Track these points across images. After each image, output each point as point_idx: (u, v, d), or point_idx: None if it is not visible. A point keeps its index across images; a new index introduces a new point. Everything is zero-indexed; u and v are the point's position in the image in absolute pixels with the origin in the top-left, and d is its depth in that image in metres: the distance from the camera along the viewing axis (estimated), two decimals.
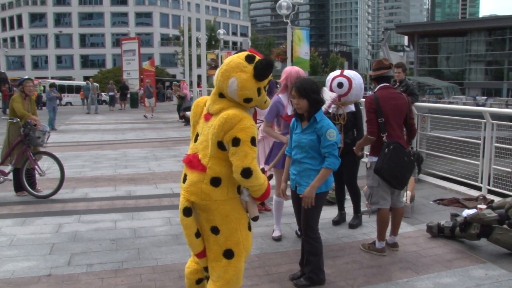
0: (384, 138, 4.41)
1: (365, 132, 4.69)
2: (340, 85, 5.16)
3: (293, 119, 3.80)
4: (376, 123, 4.43)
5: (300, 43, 13.88)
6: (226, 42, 75.04)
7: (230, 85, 2.84)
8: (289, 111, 4.54)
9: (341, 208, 5.61)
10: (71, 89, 41.86)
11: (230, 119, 2.78)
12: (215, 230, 2.96)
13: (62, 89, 36.00)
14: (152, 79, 29.87)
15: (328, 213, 5.84)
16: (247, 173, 2.75)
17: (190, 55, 23.19)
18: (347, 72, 5.33)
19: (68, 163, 9.10)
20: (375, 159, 4.46)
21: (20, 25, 70.71)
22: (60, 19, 71.31)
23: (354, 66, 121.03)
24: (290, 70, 4.83)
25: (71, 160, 9.86)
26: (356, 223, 5.38)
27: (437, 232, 4.94)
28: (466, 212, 5.16)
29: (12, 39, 72.38)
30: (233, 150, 2.77)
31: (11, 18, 72.36)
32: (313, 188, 3.58)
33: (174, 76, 58.09)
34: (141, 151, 11.40)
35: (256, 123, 4.44)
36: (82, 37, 72.08)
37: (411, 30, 65.72)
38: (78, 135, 14.38)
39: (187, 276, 3.31)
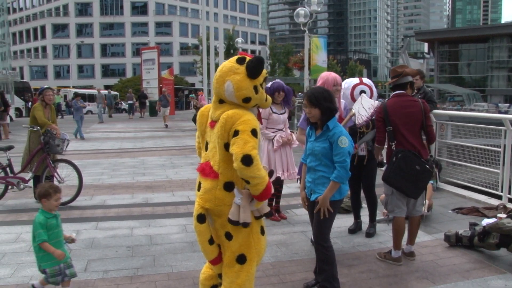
0: (393, 147, 4.40)
1: None
2: (361, 92, 5.13)
3: (308, 127, 3.79)
4: (384, 132, 4.45)
5: (317, 51, 13.86)
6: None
7: (226, 89, 2.91)
8: None
9: (357, 217, 5.54)
10: (92, 98, 42.46)
11: (230, 118, 2.84)
12: (228, 236, 2.99)
13: (83, 98, 36.53)
14: (171, 87, 30.18)
15: (344, 221, 5.80)
16: (247, 160, 2.73)
17: (208, 64, 23.39)
18: (366, 80, 5.35)
19: (87, 171, 9.24)
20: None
21: (43, 35, 72.38)
22: (82, 30, 72.76)
23: (373, 73, 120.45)
24: (327, 76, 4.80)
25: (90, 167, 10.00)
26: (372, 232, 5.33)
27: (455, 241, 4.85)
28: (486, 221, 5.07)
29: (36, 49, 74.06)
30: (233, 140, 2.80)
31: (35, 29, 74.10)
32: (326, 199, 3.57)
33: (193, 84, 58.62)
34: (159, 159, 11.50)
35: (261, 125, 4.49)
36: (103, 47, 73.33)
37: (431, 37, 65.02)
38: (98, 143, 14.59)
39: (201, 282, 3.34)
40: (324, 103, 3.51)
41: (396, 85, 4.54)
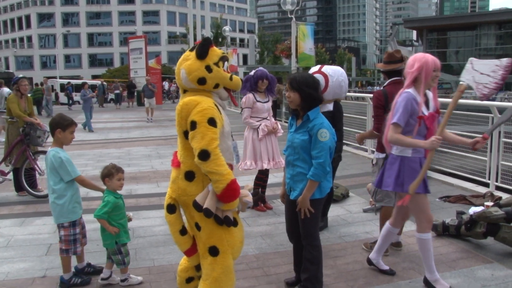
0: None
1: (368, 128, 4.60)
2: None
3: (290, 117, 3.62)
4: (383, 119, 4.29)
5: (304, 39, 13.68)
6: (233, 39, 75.01)
7: (182, 76, 2.93)
8: (425, 110, 3.55)
9: (324, 213, 5.13)
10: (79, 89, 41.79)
11: (186, 105, 2.81)
12: (197, 226, 2.93)
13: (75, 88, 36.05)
14: (159, 77, 29.79)
15: (331, 211, 5.69)
16: (204, 154, 2.68)
17: None
18: (326, 68, 4.75)
19: None
20: (382, 155, 4.33)
21: (28, 25, 71.13)
22: (68, 19, 71.67)
23: (362, 61, 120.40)
24: (426, 58, 3.51)
25: (74, 159, 9.66)
26: (321, 226, 4.91)
27: (442, 230, 4.79)
28: (473, 210, 5.01)
29: (21, 39, 72.82)
30: (191, 134, 2.76)
31: (19, 19, 72.79)
32: (305, 199, 3.33)
33: None
34: (145, 149, 11.34)
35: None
36: (90, 36, 72.35)
37: (419, 25, 64.98)
38: (83, 134, 14.36)
39: (178, 273, 3.30)
40: (305, 88, 3.28)
41: (393, 71, 4.40)
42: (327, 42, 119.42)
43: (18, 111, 6.71)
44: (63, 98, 35.13)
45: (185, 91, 2.99)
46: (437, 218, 5.00)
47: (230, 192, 2.74)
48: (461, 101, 4.38)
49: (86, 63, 71.77)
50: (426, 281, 3.64)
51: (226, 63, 3.03)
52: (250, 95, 5.80)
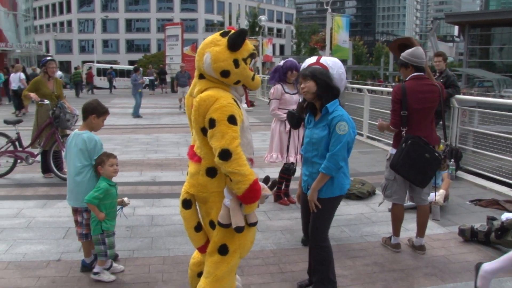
0: (403, 132, 4.12)
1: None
2: None
3: (308, 113, 3.42)
4: (399, 115, 4.13)
5: (339, 31, 13.35)
6: (270, 29, 74.64)
7: (205, 61, 2.72)
8: None
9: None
10: (123, 73, 42.30)
11: (204, 101, 2.63)
12: (212, 225, 2.81)
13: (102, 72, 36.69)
14: (193, 64, 29.84)
15: (355, 209, 5.58)
16: (225, 154, 2.53)
17: None
18: (324, 59, 4.32)
19: None
20: (394, 151, 4.21)
21: (69, 10, 72.58)
22: (107, 4, 72.73)
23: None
24: None
25: (103, 143, 9.89)
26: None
27: (470, 236, 4.56)
28: (506, 216, 4.73)
29: (61, 23, 74.45)
30: (210, 133, 2.60)
31: (60, 4, 74.32)
32: (313, 191, 3.21)
33: None
34: (174, 136, 11.37)
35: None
36: (128, 22, 73.28)
37: (462, 20, 62.74)
38: (114, 118, 14.52)
39: (190, 267, 3.23)
40: (320, 76, 3.14)
41: (416, 66, 4.19)
42: (366, 35, 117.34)
43: (27, 91, 6.91)
44: (99, 82, 35.77)
45: (201, 76, 2.81)
46: (466, 223, 4.78)
47: (252, 193, 2.62)
48: (500, 100, 4.16)
49: (123, 49, 72.81)
50: None
51: (253, 60, 2.89)
52: (278, 86, 5.67)
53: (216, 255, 2.82)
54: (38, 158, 6.92)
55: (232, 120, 2.58)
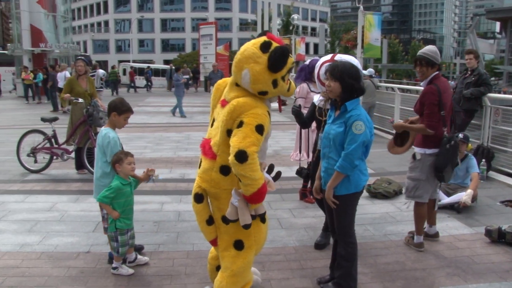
0: (445, 132, 4.11)
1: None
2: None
3: (330, 108, 3.47)
4: (439, 117, 4.08)
5: (370, 29, 13.20)
6: (304, 28, 74.25)
7: (243, 77, 2.72)
8: None
9: (327, 228, 4.39)
10: (158, 73, 43.03)
11: (240, 107, 2.66)
12: (225, 220, 2.88)
13: (137, 71, 37.40)
14: (226, 63, 30.12)
15: (380, 208, 5.57)
16: (242, 156, 2.57)
17: None
18: (339, 57, 4.00)
19: (131, 144, 9.42)
20: (429, 151, 4.15)
21: (106, 10, 74.34)
22: (143, 5, 74.07)
23: None
24: None
25: (135, 141, 10.19)
26: (324, 243, 4.43)
27: (497, 237, 4.48)
28: None
29: (99, 24, 76.31)
30: (235, 131, 2.65)
31: (98, 4, 76.16)
32: (329, 189, 3.26)
33: None
34: (205, 134, 11.46)
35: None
36: (163, 22, 74.40)
37: (504, 15, 60.63)
38: (147, 117, 14.83)
39: (209, 261, 3.33)
40: (347, 78, 3.13)
41: (436, 64, 4.16)
42: (402, 33, 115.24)
43: (63, 92, 7.22)
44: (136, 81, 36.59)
45: (237, 84, 2.83)
46: (493, 223, 4.69)
47: (259, 195, 2.71)
48: None
49: (158, 48, 74.01)
50: None
51: (291, 73, 2.90)
52: (304, 85, 5.70)
53: (233, 250, 2.90)
54: (73, 154, 7.18)
55: (259, 129, 2.64)
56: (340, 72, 3.16)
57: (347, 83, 3.15)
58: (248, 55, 2.72)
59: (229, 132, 2.72)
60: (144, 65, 39.53)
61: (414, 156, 4.30)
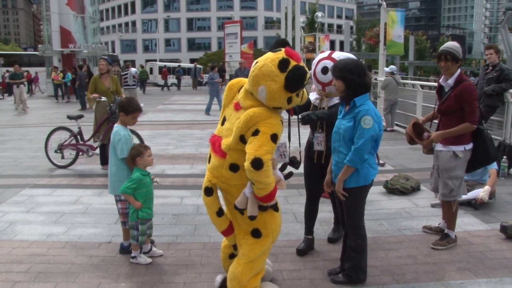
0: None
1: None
2: (324, 70, 3.82)
3: (341, 103, 3.58)
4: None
5: (393, 25, 13.11)
6: (330, 25, 73.86)
7: (259, 92, 2.81)
8: None
9: (310, 232, 4.27)
10: (184, 71, 43.55)
11: (256, 117, 2.76)
12: (240, 210, 3.00)
13: (170, 70, 38.06)
14: (250, 62, 30.16)
15: (396, 203, 5.60)
16: (258, 163, 2.68)
17: (293, 38, 22.88)
18: (337, 54, 3.88)
19: (155, 141, 9.66)
20: (468, 147, 4.17)
21: (133, 11, 75.57)
22: (170, 4, 74.98)
23: (467, 50, 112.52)
24: None
25: (159, 138, 10.43)
26: (336, 237, 4.47)
27: None
28: None
29: (126, 24, 77.62)
30: (250, 139, 2.75)
31: (125, 5, 77.48)
32: (339, 182, 3.38)
33: None
34: None
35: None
36: (190, 21, 75.16)
37: None
38: (172, 114, 15.10)
39: (222, 250, 3.47)
40: (348, 75, 3.22)
41: (460, 60, 4.14)
42: (430, 30, 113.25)
43: (89, 92, 7.52)
44: (159, 80, 37.36)
45: (252, 93, 2.90)
46: (509, 220, 4.68)
47: (269, 197, 2.86)
48: None
49: (185, 47, 74.80)
50: None
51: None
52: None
53: (251, 238, 3.04)
54: (97, 151, 7.43)
55: (274, 138, 2.76)
56: (340, 71, 3.27)
57: (349, 79, 3.24)
58: (265, 72, 2.77)
59: (241, 138, 2.83)
60: (175, 64, 40.19)
61: (456, 154, 4.16)
